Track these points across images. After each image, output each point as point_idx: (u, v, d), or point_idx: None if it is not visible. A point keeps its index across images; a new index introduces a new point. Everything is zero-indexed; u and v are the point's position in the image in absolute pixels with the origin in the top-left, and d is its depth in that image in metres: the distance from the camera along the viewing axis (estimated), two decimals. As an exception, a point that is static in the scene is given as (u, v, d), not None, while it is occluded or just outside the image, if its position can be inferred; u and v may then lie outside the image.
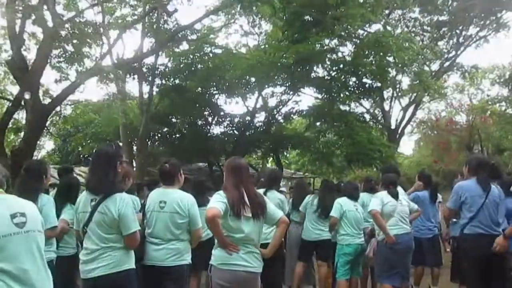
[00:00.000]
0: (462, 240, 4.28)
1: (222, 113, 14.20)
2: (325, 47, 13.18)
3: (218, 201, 3.04)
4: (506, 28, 20.55)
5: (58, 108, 11.76)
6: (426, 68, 18.61)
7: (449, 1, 20.06)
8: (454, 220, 5.34)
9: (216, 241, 3.16)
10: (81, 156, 21.14)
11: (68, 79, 11.02)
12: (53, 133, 18.05)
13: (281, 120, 14.66)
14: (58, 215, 3.72)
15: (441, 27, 20.80)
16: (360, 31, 13.54)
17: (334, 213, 5.43)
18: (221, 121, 14.55)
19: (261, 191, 5.10)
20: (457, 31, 20.98)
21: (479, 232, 4.04)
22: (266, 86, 13.64)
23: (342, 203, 5.48)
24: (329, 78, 13.69)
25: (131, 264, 3.03)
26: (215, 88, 13.33)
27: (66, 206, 3.98)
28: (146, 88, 13.40)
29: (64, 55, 10.66)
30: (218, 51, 13.23)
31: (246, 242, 3.10)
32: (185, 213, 3.44)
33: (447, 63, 21.54)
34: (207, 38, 14.29)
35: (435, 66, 21.45)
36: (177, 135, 14.68)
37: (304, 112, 14.15)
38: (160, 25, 12.38)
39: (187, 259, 3.50)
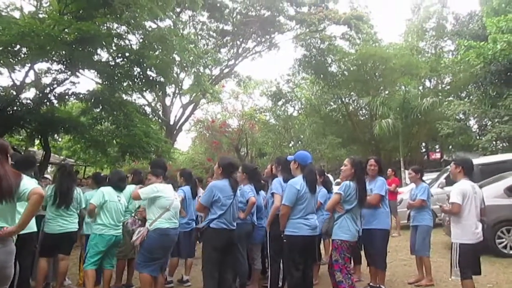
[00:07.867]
0: (207, 232, 4.76)
1: (-21, 84, 12.02)
2: (113, 32, 12.65)
3: None
4: (276, 48, 23.81)
5: None
6: (208, 71, 19.92)
7: (234, 13, 22.01)
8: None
9: None
10: None
11: None
12: None
13: (54, 101, 13.32)
14: None
15: (225, 35, 22.65)
16: (151, 24, 13.50)
17: (93, 200, 5.30)
18: (-24, 93, 12.31)
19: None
20: (238, 42, 23.17)
21: (223, 227, 4.71)
22: (40, 60, 12.20)
23: (105, 192, 5.39)
24: (113, 64, 13.16)
25: None
26: (-29, 54, 11.16)
27: None
28: None
29: None
30: (-19, 10, 11.15)
31: None
32: None
33: (226, 70, 23.51)
34: (-33, -9, 11.91)
35: (216, 71, 23.16)
36: None
37: (82, 96, 13.21)
38: None
39: None
